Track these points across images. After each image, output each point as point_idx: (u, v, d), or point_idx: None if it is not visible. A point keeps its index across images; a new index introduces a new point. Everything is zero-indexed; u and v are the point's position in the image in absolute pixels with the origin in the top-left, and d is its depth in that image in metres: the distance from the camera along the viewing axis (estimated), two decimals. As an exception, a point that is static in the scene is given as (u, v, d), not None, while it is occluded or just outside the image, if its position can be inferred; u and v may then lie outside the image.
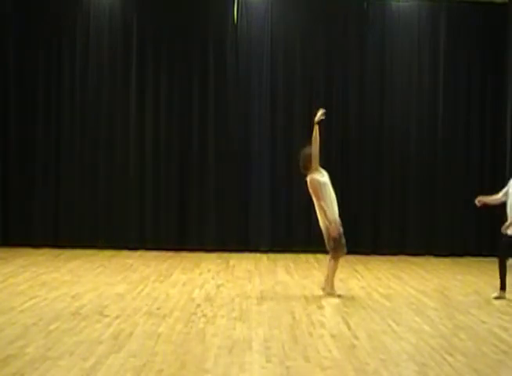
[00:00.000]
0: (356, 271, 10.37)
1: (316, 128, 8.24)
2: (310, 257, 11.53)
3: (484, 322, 7.14)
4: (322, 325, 6.82)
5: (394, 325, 6.89)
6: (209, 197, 12.10)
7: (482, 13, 12.27)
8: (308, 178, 8.23)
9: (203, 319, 6.89)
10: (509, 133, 12.03)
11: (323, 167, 8.42)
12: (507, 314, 7.59)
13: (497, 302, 8.24)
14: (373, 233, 12.27)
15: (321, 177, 8.23)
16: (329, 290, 8.33)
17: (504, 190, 8.72)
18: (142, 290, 8.40)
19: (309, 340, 6.23)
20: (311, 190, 8.23)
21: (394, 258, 11.80)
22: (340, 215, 8.42)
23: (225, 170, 12.13)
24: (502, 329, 6.85)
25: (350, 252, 11.80)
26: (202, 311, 7.28)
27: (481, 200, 8.83)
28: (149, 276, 9.37)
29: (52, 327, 6.40)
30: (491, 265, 11.41)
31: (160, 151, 12.08)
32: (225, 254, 11.62)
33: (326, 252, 11.74)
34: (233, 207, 12.09)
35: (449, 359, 5.72)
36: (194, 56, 12.12)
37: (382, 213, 12.30)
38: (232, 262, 10.91)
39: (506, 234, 8.44)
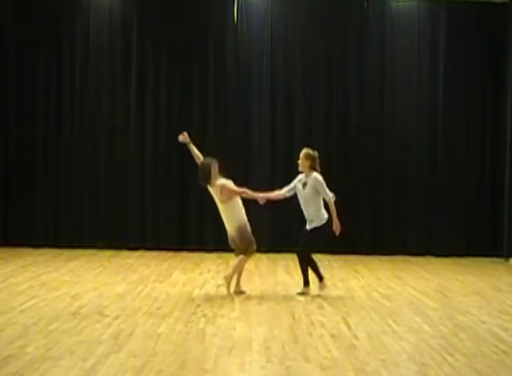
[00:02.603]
0: (356, 271, 10.37)
1: (191, 148, 8.57)
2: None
3: (484, 322, 7.14)
4: (322, 325, 6.81)
5: (394, 325, 6.89)
6: (209, 197, 12.05)
7: (482, 13, 12.26)
8: (218, 186, 8.33)
9: (203, 320, 6.89)
10: (509, 133, 12.02)
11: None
12: (507, 314, 7.59)
13: (497, 302, 8.24)
14: (373, 233, 12.27)
15: (226, 180, 8.40)
16: (237, 288, 8.40)
17: (290, 186, 8.49)
18: (142, 290, 8.40)
19: (309, 340, 6.23)
20: (226, 194, 8.31)
21: (394, 258, 11.80)
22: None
23: (225, 170, 12.09)
24: (503, 329, 6.85)
25: (350, 252, 11.95)
26: (202, 311, 7.28)
27: (262, 197, 8.55)
28: (149, 276, 9.37)
29: (52, 327, 6.40)
30: (491, 265, 11.46)
31: (160, 151, 12.08)
32: (225, 254, 11.59)
33: (325, 252, 11.81)
34: (233, 207, 12.07)
35: (449, 359, 5.72)
36: (194, 55, 12.12)
37: (382, 213, 12.30)
38: (232, 262, 10.87)
39: (306, 229, 8.32)
